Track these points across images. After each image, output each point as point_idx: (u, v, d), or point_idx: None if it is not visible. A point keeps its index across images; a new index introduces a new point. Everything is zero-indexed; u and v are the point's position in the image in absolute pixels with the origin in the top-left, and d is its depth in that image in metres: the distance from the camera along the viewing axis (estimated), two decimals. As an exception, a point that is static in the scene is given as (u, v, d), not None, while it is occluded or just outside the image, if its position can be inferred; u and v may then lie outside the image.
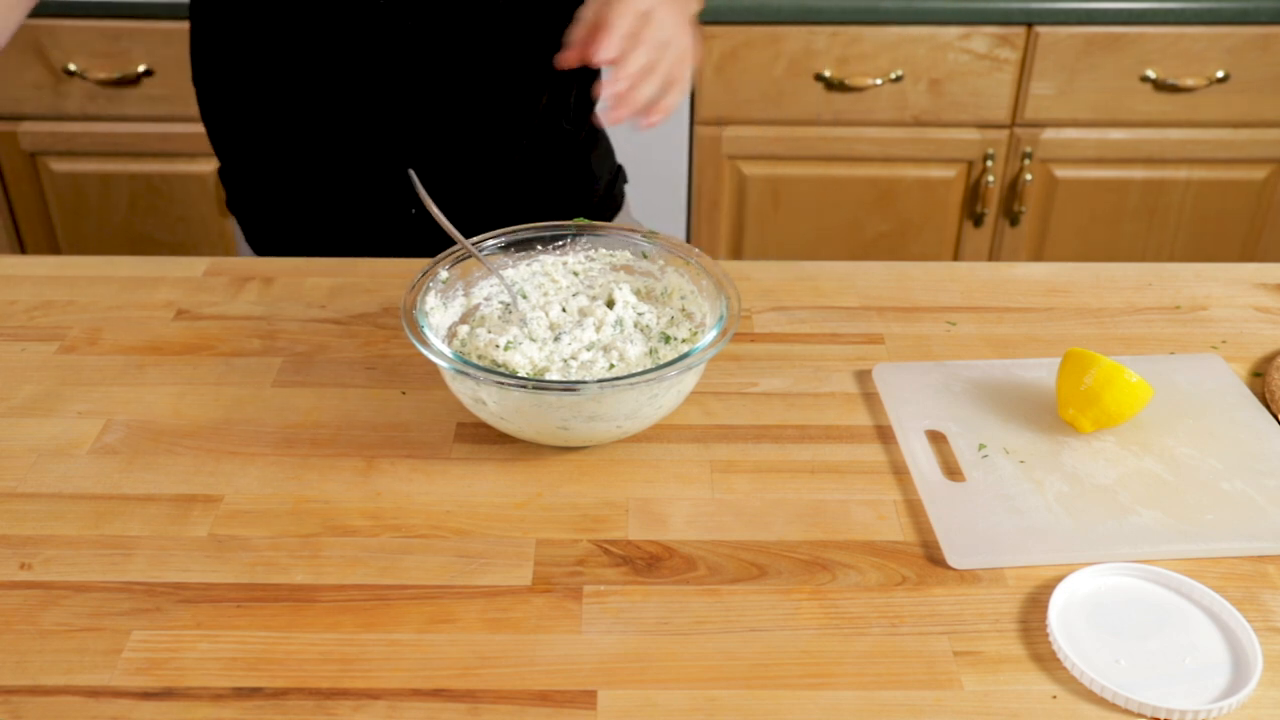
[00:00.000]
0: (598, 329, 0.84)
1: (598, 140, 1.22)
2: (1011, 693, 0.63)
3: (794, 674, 0.64)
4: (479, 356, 0.82)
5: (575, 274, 0.92)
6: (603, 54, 0.83)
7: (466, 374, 0.75)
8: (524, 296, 0.90)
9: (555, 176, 1.16)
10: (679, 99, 0.87)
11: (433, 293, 0.84)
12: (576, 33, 0.87)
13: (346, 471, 0.80)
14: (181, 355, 0.92)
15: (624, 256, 0.91)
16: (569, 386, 0.75)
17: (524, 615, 0.68)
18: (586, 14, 0.87)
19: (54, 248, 2.06)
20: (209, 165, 1.97)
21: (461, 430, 0.84)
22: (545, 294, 0.90)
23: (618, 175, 1.26)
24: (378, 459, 0.81)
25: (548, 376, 0.80)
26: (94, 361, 0.91)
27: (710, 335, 0.79)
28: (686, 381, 0.80)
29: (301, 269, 1.05)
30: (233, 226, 1.25)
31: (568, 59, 0.86)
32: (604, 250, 0.92)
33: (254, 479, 0.79)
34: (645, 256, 0.91)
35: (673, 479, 0.79)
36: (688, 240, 1.93)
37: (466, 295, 0.89)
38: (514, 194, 1.13)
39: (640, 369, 0.81)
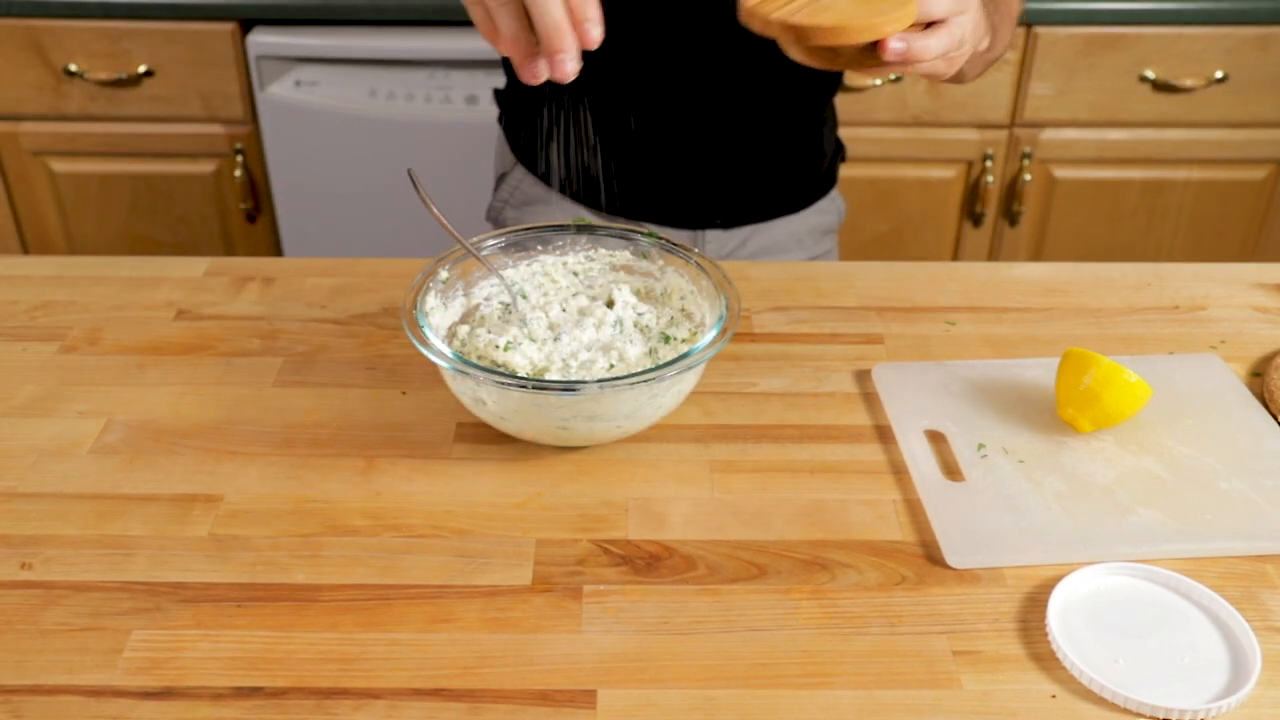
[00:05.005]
0: (597, 329, 0.85)
1: (830, 117, 1.22)
2: (1010, 692, 0.63)
3: (793, 673, 0.64)
4: (479, 356, 0.82)
5: (575, 274, 0.92)
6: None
7: (466, 374, 0.75)
8: (524, 296, 0.90)
9: (787, 148, 1.16)
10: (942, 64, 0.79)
11: (433, 293, 0.84)
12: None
13: (347, 471, 0.80)
14: (182, 355, 0.93)
15: (623, 256, 0.92)
16: (569, 386, 0.75)
17: (524, 615, 0.68)
18: None
19: (55, 248, 2.07)
20: (210, 165, 1.97)
21: (461, 430, 0.84)
22: (545, 294, 0.90)
23: (837, 151, 1.27)
24: (378, 459, 0.81)
25: (548, 376, 0.80)
26: (95, 361, 0.92)
27: (710, 335, 0.79)
28: (686, 381, 0.80)
29: (302, 269, 1.05)
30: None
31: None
32: (603, 250, 0.92)
33: (254, 479, 0.79)
34: (645, 256, 0.91)
35: (672, 479, 0.79)
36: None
37: (466, 295, 0.89)
38: (743, 163, 1.14)
39: (640, 369, 0.81)
